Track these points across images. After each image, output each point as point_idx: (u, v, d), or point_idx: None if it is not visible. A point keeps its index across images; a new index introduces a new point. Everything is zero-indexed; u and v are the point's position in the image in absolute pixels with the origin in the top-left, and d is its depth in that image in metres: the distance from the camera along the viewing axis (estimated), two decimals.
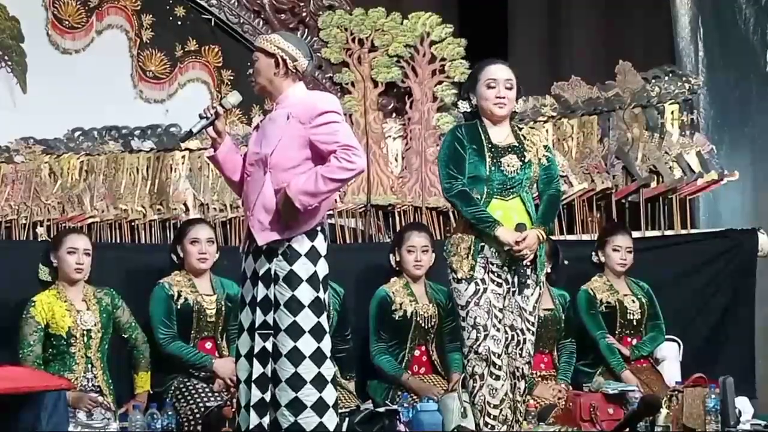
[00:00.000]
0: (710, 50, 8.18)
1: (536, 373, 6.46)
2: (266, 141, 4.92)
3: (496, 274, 5.29)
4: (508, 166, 5.32)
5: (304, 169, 4.86)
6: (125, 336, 6.20)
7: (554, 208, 5.47)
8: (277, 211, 4.84)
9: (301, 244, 4.87)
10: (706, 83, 8.16)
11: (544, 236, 5.31)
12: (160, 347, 6.18)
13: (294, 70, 4.99)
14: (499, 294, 5.29)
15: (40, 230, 6.03)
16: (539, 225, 5.31)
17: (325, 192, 4.84)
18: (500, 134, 5.39)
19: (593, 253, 6.91)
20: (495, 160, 5.30)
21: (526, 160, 5.34)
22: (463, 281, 5.28)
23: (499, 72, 5.39)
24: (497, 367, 5.24)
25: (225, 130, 5.06)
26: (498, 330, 5.26)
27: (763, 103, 8.12)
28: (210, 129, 5.00)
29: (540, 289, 5.40)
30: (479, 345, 5.25)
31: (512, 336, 5.31)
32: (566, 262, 6.59)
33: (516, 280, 5.29)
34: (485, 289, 5.26)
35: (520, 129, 5.47)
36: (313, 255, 4.88)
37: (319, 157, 4.87)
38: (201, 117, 4.99)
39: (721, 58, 8.19)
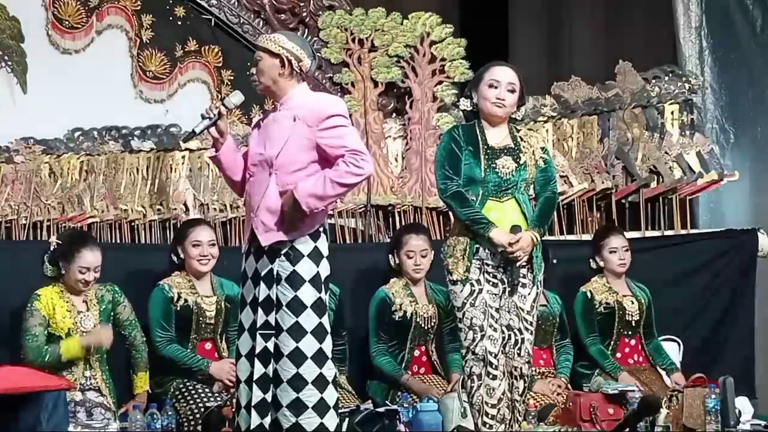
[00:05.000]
0: (717, 50, 8.16)
1: (535, 369, 6.46)
2: (270, 142, 4.92)
3: (491, 275, 5.30)
4: (503, 167, 5.32)
5: (310, 172, 4.87)
6: (123, 333, 6.16)
7: (550, 210, 5.46)
8: (281, 212, 4.84)
9: (305, 245, 4.88)
10: (713, 83, 8.15)
11: (539, 238, 5.31)
12: (157, 350, 6.17)
13: (299, 71, 4.99)
14: (495, 294, 5.29)
15: (52, 239, 6.03)
16: (534, 227, 5.31)
17: (332, 196, 4.87)
18: (497, 136, 5.39)
19: (591, 260, 6.90)
20: (490, 162, 5.31)
21: (521, 162, 5.34)
22: (459, 283, 5.30)
23: (503, 73, 5.39)
24: (494, 366, 5.25)
25: (227, 130, 5.06)
26: (495, 330, 5.27)
27: None
28: (212, 129, 4.99)
29: (538, 288, 5.40)
30: (476, 345, 5.26)
31: (509, 336, 5.31)
32: (555, 261, 6.59)
33: (511, 280, 5.29)
34: (480, 290, 5.27)
35: (518, 131, 5.47)
36: (315, 256, 4.89)
37: (324, 160, 4.88)
38: (203, 117, 4.98)
39: (731, 57, 8.17)
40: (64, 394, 5.14)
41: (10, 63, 7.28)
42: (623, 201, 7.67)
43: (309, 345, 4.83)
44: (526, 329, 5.34)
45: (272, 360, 4.86)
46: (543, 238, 5.39)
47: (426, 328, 6.58)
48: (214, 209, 7.29)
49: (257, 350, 4.89)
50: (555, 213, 5.99)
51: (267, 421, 4.87)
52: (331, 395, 4.86)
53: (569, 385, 6.65)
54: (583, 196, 7.67)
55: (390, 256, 6.67)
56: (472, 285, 5.28)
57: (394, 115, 7.87)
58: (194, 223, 6.50)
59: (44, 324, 5.93)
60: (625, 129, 7.76)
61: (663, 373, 6.76)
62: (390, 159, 7.77)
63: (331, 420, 4.85)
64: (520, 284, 5.30)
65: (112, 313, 6.13)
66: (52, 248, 5.99)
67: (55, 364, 5.85)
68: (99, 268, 6.03)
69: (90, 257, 5.99)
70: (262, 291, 4.89)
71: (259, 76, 5.01)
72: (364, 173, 4.88)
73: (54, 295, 6.01)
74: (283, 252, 4.87)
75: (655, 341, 6.86)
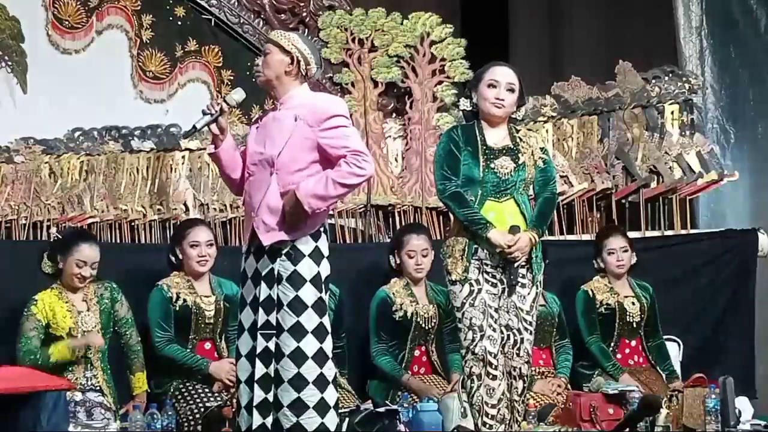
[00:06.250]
0: (718, 50, 8.16)
1: (535, 369, 6.46)
2: (271, 142, 4.92)
3: (490, 275, 5.30)
4: (502, 168, 5.32)
5: (311, 172, 4.87)
6: (120, 331, 6.16)
7: (549, 210, 5.45)
8: (282, 212, 4.84)
9: (306, 245, 4.87)
10: (713, 83, 8.14)
11: (537, 239, 5.31)
12: (156, 350, 6.17)
13: (304, 73, 4.99)
14: (494, 294, 5.29)
15: (53, 230, 6.04)
16: (533, 228, 5.30)
17: (334, 196, 4.87)
18: (496, 136, 5.39)
19: (594, 261, 6.90)
20: (488, 162, 5.31)
21: (519, 162, 5.35)
22: (458, 283, 5.30)
23: (502, 74, 5.39)
24: (494, 366, 5.25)
25: (228, 127, 5.06)
26: (494, 330, 5.27)
27: None
28: (213, 125, 4.99)
29: (537, 288, 5.39)
30: (475, 345, 5.26)
31: (508, 336, 5.31)
32: (546, 262, 6.59)
33: (509, 280, 5.29)
34: (480, 290, 5.27)
35: (518, 131, 5.47)
36: (316, 256, 4.88)
37: (325, 160, 4.88)
38: (204, 113, 4.97)
39: (733, 57, 8.17)
40: (64, 394, 5.14)
41: (10, 63, 7.28)
42: (623, 201, 7.67)
43: (310, 345, 4.82)
44: (526, 329, 5.33)
45: (273, 360, 4.86)
46: (542, 238, 5.39)
47: (426, 328, 6.58)
48: (214, 209, 7.29)
49: (258, 350, 4.88)
50: (555, 213, 5.98)
51: (269, 421, 4.87)
52: (331, 395, 4.86)
53: (569, 385, 6.65)
54: (583, 196, 7.67)
55: (390, 256, 6.67)
56: (471, 285, 5.28)
57: (394, 115, 7.88)
58: (192, 224, 6.49)
59: (38, 328, 5.93)
60: (625, 129, 7.76)
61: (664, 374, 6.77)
62: (390, 159, 7.77)
63: (331, 420, 4.85)
64: (519, 284, 5.30)
65: (111, 311, 6.12)
66: (52, 239, 5.98)
67: (47, 366, 5.84)
68: (96, 265, 6.04)
69: (88, 251, 6.01)
70: (263, 291, 4.89)
71: (264, 68, 5.01)
72: (366, 174, 4.88)
73: (52, 298, 6.00)
74: (284, 252, 4.87)
75: (659, 341, 6.85)
